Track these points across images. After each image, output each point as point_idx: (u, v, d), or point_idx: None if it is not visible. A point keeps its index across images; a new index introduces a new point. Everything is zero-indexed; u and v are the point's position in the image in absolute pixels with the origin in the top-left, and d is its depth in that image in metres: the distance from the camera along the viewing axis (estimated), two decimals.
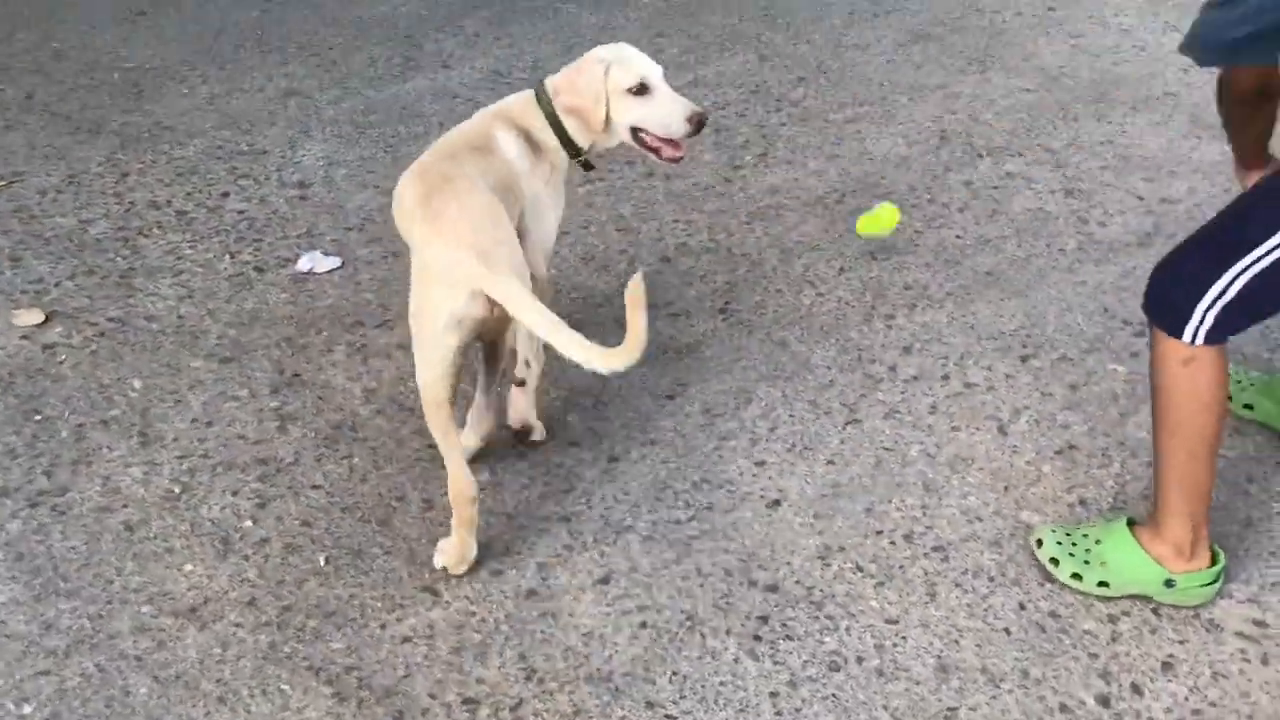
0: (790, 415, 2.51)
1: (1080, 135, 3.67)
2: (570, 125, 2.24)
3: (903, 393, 2.59)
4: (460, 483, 2.04)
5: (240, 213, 3.22)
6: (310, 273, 2.96)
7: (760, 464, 2.38)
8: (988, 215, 3.25)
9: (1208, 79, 4.08)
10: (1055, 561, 2.08)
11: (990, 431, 2.48)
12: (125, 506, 2.26)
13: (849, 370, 2.65)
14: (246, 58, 4.11)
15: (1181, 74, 4.07)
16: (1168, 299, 1.90)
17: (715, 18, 4.44)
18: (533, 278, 2.06)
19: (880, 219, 2.97)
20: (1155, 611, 2.05)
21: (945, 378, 2.64)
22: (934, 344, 2.74)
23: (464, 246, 1.88)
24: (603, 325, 2.77)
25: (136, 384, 2.58)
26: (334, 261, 2.99)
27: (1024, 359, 2.70)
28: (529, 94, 2.28)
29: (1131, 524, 2.07)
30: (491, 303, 1.88)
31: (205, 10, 4.48)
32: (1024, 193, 3.36)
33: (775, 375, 2.63)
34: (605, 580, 2.12)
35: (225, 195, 3.31)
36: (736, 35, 4.31)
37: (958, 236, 3.15)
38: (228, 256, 3.03)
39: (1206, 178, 3.44)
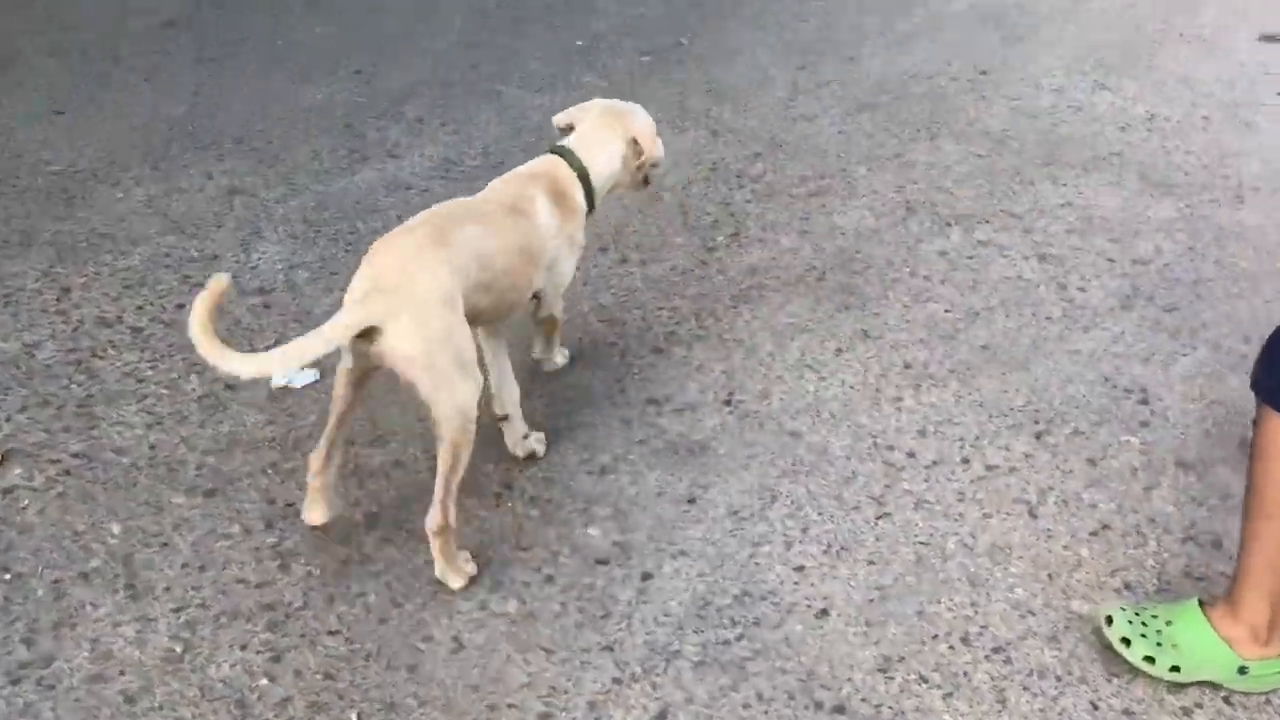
0: (819, 514, 2.43)
1: (1040, 199, 3.71)
2: (602, 179, 2.48)
3: (926, 480, 2.53)
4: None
5: None
6: (286, 388, 2.78)
7: (800, 569, 2.29)
8: (969, 286, 3.24)
9: (1147, 137, 4.22)
10: (1126, 642, 2.02)
11: (1021, 516, 2.43)
12: (122, 673, 2.04)
13: (868, 459, 2.58)
14: (180, 155, 3.91)
15: (1120, 133, 4.17)
16: (1275, 374, 1.86)
17: (660, 94, 4.40)
18: (550, 317, 2.56)
19: None
20: (1228, 700, 2.01)
21: (965, 461, 2.58)
22: (946, 425, 2.69)
23: (362, 282, 2.03)
24: (608, 424, 2.66)
25: (115, 528, 2.36)
26: (311, 375, 2.81)
27: (1038, 435, 2.67)
28: (553, 158, 2.44)
29: (1201, 604, 2.02)
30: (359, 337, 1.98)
31: (127, 106, 4.26)
32: (999, 261, 3.37)
33: (795, 470, 2.55)
34: (662, 715, 1.98)
35: (180, 307, 3.10)
36: (684, 112, 4.28)
37: (946, 310, 3.13)
38: (194, 375, 2.83)
39: (1168, 236, 3.50)
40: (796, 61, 4.71)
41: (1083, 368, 2.90)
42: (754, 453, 2.60)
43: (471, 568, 2.24)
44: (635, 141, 2.49)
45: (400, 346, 1.98)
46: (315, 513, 2.31)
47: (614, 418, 2.71)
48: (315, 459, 2.24)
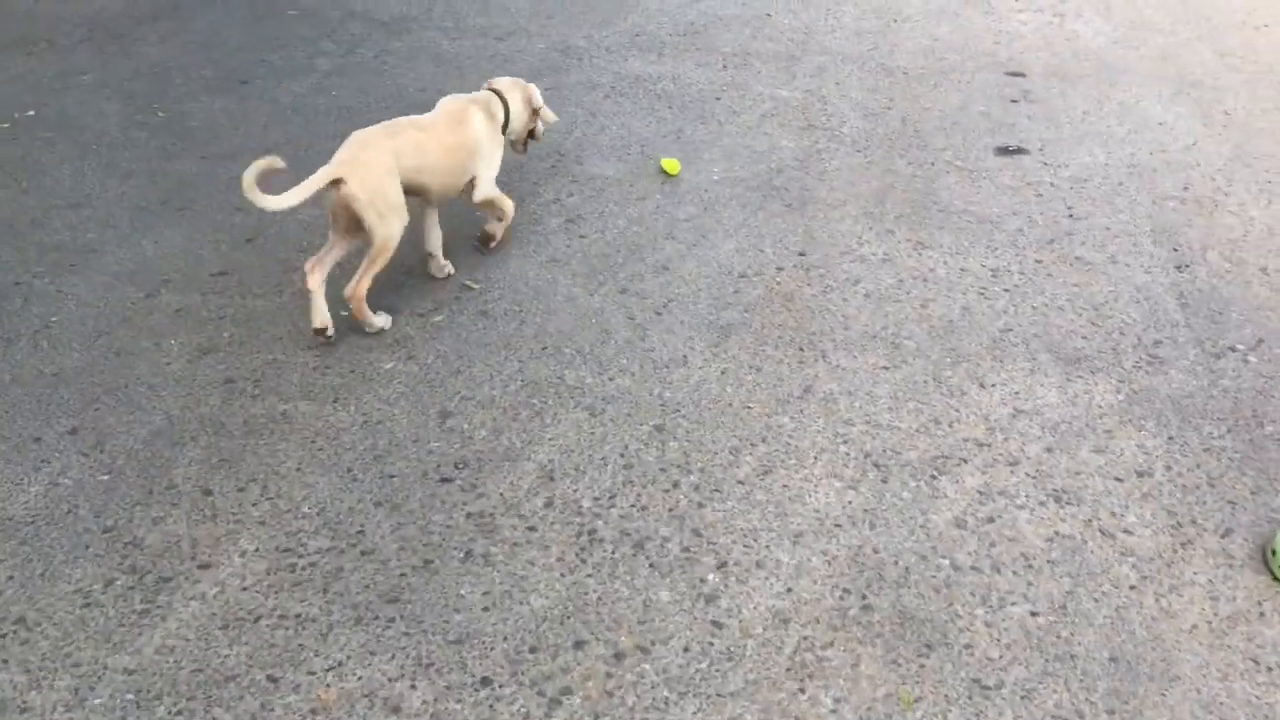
0: None
1: (987, 413, 3.32)
2: (515, 114, 4.03)
3: None
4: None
5: None
6: None
7: None
8: (1024, 565, 2.74)
9: (1014, 301, 4.02)
10: None
11: None
12: None
13: None
14: None
15: (985, 301, 3.92)
16: None
17: (491, 368, 3.55)
18: (485, 199, 3.96)
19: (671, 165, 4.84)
20: None
21: None
22: None
23: (339, 155, 3.50)
24: None
25: None
26: None
27: None
28: (489, 94, 3.95)
29: None
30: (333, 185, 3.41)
31: None
32: (1020, 515, 2.91)
33: None
34: None
35: None
36: (537, 388, 3.46)
37: (1031, 613, 2.60)
38: None
39: (1139, 429, 3.23)
40: (611, 285, 4.03)
41: (1222, 652, 2.49)
42: None
43: (385, 320, 3.67)
44: (536, 111, 4.08)
45: (353, 191, 3.38)
46: (317, 318, 3.52)
47: None
48: (312, 271, 3.52)
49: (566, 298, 3.94)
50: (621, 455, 3.15)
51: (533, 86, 4.04)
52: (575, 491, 3.01)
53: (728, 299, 3.94)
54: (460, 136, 3.74)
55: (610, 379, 3.50)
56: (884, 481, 3.04)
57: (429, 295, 3.95)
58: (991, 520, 2.90)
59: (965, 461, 3.12)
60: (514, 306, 3.89)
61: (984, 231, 4.43)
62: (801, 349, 3.65)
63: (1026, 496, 2.98)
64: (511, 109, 3.95)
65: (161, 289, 3.97)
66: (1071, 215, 4.58)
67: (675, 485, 3.04)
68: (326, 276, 3.52)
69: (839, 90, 6.02)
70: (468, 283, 4.02)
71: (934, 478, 3.05)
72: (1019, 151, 5.25)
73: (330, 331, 3.52)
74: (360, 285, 3.52)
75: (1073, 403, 3.37)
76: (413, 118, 3.68)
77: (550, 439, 3.22)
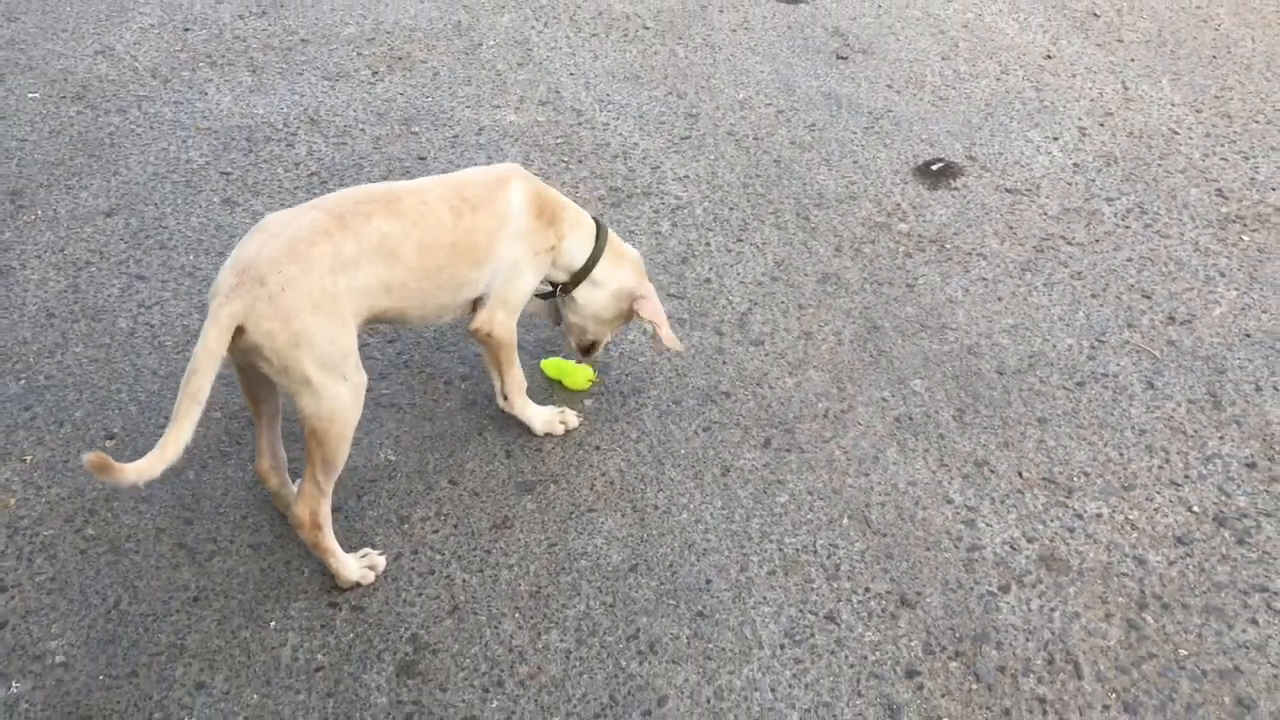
0: None
1: None
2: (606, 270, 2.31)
3: None
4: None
5: None
6: None
7: None
8: None
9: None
10: None
11: None
12: None
13: None
14: None
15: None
16: None
17: None
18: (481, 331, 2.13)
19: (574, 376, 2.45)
20: None
21: None
22: None
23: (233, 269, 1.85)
24: None
25: None
26: None
27: None
28: (566, 203, 2.22)
29: None
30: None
31: None
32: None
33: None
34: None
35: None
36: None
37: None
38: None
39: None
40: None
41: None
42: None
43: (370, 564, 2.00)
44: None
45: (259, 347, 1.75)
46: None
47: None
48: (261, 467, 2.02)
49: None
50: None
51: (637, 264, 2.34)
52: None
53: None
54: (468, 226, 2.03)
55: None
56: None
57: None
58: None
59: None
60: None
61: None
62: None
63: None
64: (601, 262, 2.26)
65: None
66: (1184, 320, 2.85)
67: None
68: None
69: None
70: None
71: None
72: (948, 170, 3.42)
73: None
74: (314, 506, 1.94)
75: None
76: (387, 187, 2.01)
77: None
